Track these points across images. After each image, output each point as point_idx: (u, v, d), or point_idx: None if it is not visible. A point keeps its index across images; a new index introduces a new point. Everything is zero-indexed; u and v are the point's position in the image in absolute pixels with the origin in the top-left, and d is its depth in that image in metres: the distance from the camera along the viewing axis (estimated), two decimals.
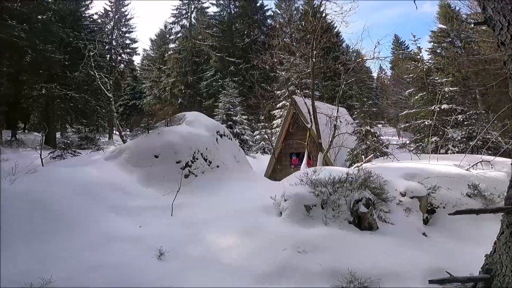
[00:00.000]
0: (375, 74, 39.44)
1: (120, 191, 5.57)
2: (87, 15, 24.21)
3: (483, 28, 14.69)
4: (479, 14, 14.02)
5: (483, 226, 5.12)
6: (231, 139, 9.11)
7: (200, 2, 33.10)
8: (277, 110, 20.40)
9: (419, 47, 16.16)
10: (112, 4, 31.93)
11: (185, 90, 30.57)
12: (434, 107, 11.59)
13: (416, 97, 13.30)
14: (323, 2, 10.55)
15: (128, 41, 32.69)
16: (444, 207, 5.57)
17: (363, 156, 10.60)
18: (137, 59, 41.96)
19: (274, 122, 20.86)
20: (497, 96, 16.98)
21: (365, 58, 11.36)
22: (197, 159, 7.06)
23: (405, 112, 14.00)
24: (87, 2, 24.34)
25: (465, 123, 11.25)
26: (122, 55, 32.56)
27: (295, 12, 30.79)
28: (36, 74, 17.38)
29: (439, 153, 8.53)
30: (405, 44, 37.73)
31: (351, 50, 19.00)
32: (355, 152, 11.81)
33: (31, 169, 5.49)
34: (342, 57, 13.73)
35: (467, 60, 17.95)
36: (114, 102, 18.57)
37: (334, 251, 3.69)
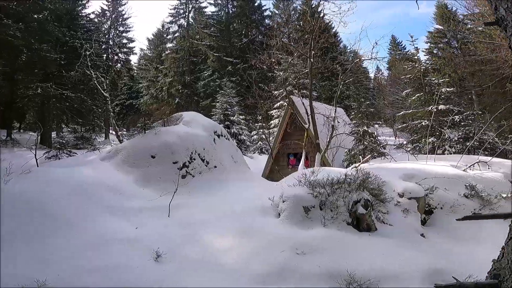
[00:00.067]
0: (372, 75, 39.64)
1: (116, 192, 5.51)
2: (83, 14, 24.03)
3: (480, 28, 14.80)
4: (476, 15, 14.12)
5: (480, 226, 5.14)
6: (229, 139, 9.07)
7: (198, 2, 33.03)
8: (274, 110, 20.38)
9: (417, 47, 16.22)
10: (109, 3, 31.76)
11: (182, 90, 30.46)
12: (431, 108, 11.62)
13: (413, 98, 13.33)
14: (322, 2, 10.54)
15: (125, 41, 32.52)
16: (441, 208, 5.59)
17: (360, 157, 10.60)
18: (134, 59, 41.66)
19: (272, 122, 20.84)
20: (493, 96, 17.11)
21: (363, 58, 11.37)
22: (194, 159, 7.01)
23: (402, 112, 14.03)
24: (84, 2, 24.16)
25: (462, 123, 11.28)
26: (119, 54, 32.38)
27: (293, 12, 30.83)
28: (31, 74, 17.21)
29: (436, 154, 8.53)
30: (402, 45, 37.96)
31: (348, 50, 19.06)
32: (352, 152, 11.81)
33: (26, 169, 5.42)
34: (340, 58, 13.74)
35: (464, 61, 18.07)
36: (111, 102, 18.39)
37: (333, 253, 3.68)
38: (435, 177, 5.83)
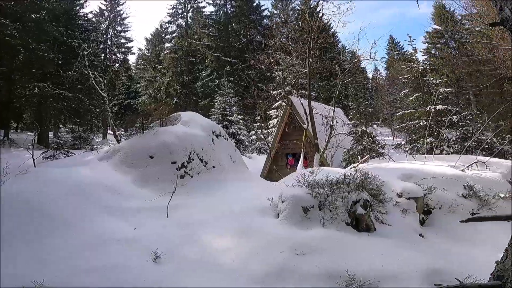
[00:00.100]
0: (370, 75, 39.73)
1: (114, 192, 5.49)
2: (81, 14, 23.96)
3: (477, 29, 14.85)
4: (473, 15, 14.17)
5: (478, 227, 5.16)
6: (227, 139, 9.05)
7: (196, 2, 32.96)
8: (273, 110, 20.38)
9: (415, 47, 16.23)
10: (107, 3, 31.66)
11: (181, 90, 30.40)
12: (429, 108, 11.65)
13: (412, 98, 13.37)
14: (320, 2, 10.52)
15: (123, 40, 32.46)
16: (440, 208, 5.60)
17: (359, 157, 10.61)
18: (132, 58, 41.61)
19: (270, 122, 20.83)
20: (490, 97, 17.18)
21: (361, 58, 11.37)
22: (193, 159, 6.99)
23: (400, 112, 14.06)
24: (82, 1, 24.09)
25: (460, 124, 11.31)
26: (117, 54, 32.30)
27: (292, 12, 30.84)
28: (29, 73, 17.13)
29: (434, 154, 8.55)
30: (400, 45, 38.05)
31: (347, 50, 19.09)
32: (351, 152, 11.82)
33: (23, 169, 5.39)
34: (338, 58, 13.74)
35: (461, 61, 18.13)
36: (109, 102, 18.32)
37: (332, 253, 3.67)
38: (434, 177, 5.84)
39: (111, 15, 31.75)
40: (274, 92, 18.29)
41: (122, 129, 25.69)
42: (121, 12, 32.28)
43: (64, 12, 19.64)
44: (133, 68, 38.42)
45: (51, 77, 17.97)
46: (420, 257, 3.85)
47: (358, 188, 4.46)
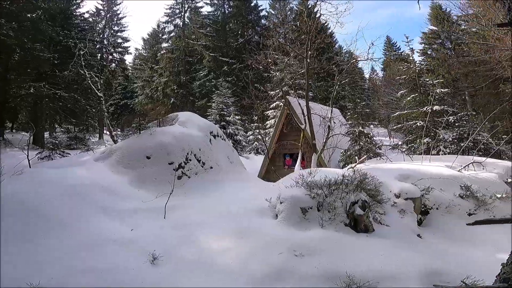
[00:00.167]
0: (367, 75, 39.91)
1: (110, 193, 5.44)
2: (78, 13, 23.79)
3: (473, 29, 14.95)
4: (469, 16, 14.27)
5: (474, 227, 5.17)
6: (225, 140, 9.02)
7: (194, 2, 32.91)
8: (270, 111, 20.37)
9: (412, 48, 16.31)
10: (104, 2, 31.49)
11: (178, 90, 30.31)
12: (426, 109, 11.69)
13: (408, 98, 13.41)
14: (318, 2, 10.51)
15: (120, 40, 32.31)
16: (437, 208, 5.62)
17: (356, 157, 10.63)
18: (129, 58, 41.53)
19: (268, 122, 20.83)
20: (486, 97, 17.31)
21: (359, 59, 11.40)
22: (190, 160, 6.95)
23: (397, 113, 14.10)
24: (78, 1, 23.92)
25: (456, 124, 11.37)
26: (114, 54, 32.14)
27: (289, 12, 30.86)
28: (24, 73, 17.00)
29: (431, 154, 8.58)
30: (396, 45, 38.27)
31: (344, 51, 19.14)
32: (348, 153, 11.84)
33: (18, 170, 5.32)
34: (336, 58, 13.76)
35: (457, 62, 18.26)
36: (105, 102, 18.23)
37: (331, 254, 3.66)
38: (431, 177, 5.85)
39: (108, 15, 31.61)
40: (272, 92, 18.28)
41: (119, 130, 25.53)
42: (118, 12, 32.17)
43: (60, 11, 19.52)
44: (130, 68, 38.28)
45: (47, 77, 17.83)
46: (418, 258, 3.86)
47: (356, 189, 4.46)
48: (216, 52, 29.44)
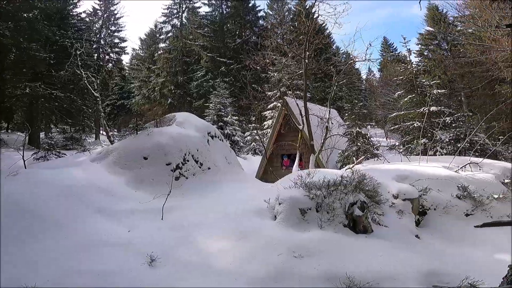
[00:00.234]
0: (364, 76, 40.07)
1: (107, 194, 5.40)
2: (74, 13, 23.67)
3: (470, 30, 15.05)
4: (466, 17, 14.36)
5: (471, 227, 5.20)
6: (222, 140, 8.99)
7: (191, 2, 32.87)
8: (268, 111, 20.36)
9: (409, 49, 16.40)
10: (101, 2, 31.34)
11: (175, 90, 30.23)
12: (423, 109, 11.74)
13: (405, 99, 13.45)
14: (317, 3, 10.49)
15: (117, 40, 32.15)
16: (435, 209, 5.62)
17: (354, 158, 10.64)
18: (126, 59, 41.29)
19: (265, 123, 20.81)
20: (482, 98, 17.44)
21: (357, 60, 11.40)
22: (188, 161, 6.92)
23: (394, 114, 14.15)
24: (75, 1, 23.79)
25: (453, 125, 11.42)
26: (110, 54, 31.98)
27: (287, 13, 30.89)
28: (20, 73, 16.89)
29: (428, 155, 8.61)
30: (393, 46, 38.47)
31: (342, 51, 19.18)
32: (346, 153, 11.84)
33: (13, 171, 5.27)
34: (334, 59, 13.78)
35: (453, 63, 18.38)
36: (101, 102, 18.12)
37: (330, 255, 3.65)
38: (428, 178, 5.86)
39: (105, 15, 31.46)
40: (269, 93, 18.28)
41: (115, 130, 25.42)
42: (115, 11, 32.02)
43: (57, 11, 19.42)
44: (126, 68, 38.13)
45: (43, 76, 17.72)
46: (417, 258, 3.87)
47: (355, 189, 4.45)
48: (214, 52, 29.40)
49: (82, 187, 5.25)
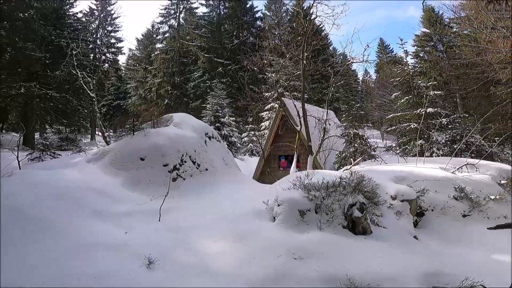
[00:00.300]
0: (360, 77, 40.24)
1: (103, 195, 5.34)
2: (71, 13, 23.44)
3: (465, 32, 15.16)
4: (462, 19, 14.47)
5: (468, 228, 5.23)
6: (220, 141, 8.95)
7: (189, 2, 32.80)
8: (265, 112, 20.33)
9: (406, 50, 16.43)
10: (98, 2, 31.14)
11: (172, 91, 30.10)
12: (420, 111, 11.79)
13: (402, 101, 13.51)
14: (314, 4, 10.52)
15: (113, 40, 31.90)
16: (432, 210, 5.65)
17: (351, 159, 10.65)
18: (122, 59, 41.08)
19: (263, 124, 20.78)
20: (477, 100, 17.57)
21: (354, 61, 11.43)
22: (185, 162, 6.87)
23: (391, 115, 14.20)
24: (71, 0, 23.59)
25: (449, 126, 11.48)
26: (107, 54, 31.73)
27: (285, 14, 30.94)
28: (15, 73, 16.67)
29: (424, 156, 8.64)
30: (390, 48, 38.67)
31: (339, 53, 19.24)
32: (343, 155, 11.85)
33: (7, 172, 5.19)
34: (331, 60, 13.81)
35: (449, 64, 18.50)
36: (97, 102, 18.02)
37: (330, 257, 3.64)
38: (426, 179, 5.88)
39: (102, 15, 31.23)
40: (267, 94, 18.27)
41: (111, 131, 25.26)
42: (112, 11, 31.81)
43: (53, 11, 19.22)
44: (123, 68, 37.87)
45: (38, 76, 17.53)
46: (416, 259, 3.87)
47: (354, 191, 4.45)
48: (211, 53, 29.35)
49: (78, 188, 5.18)
